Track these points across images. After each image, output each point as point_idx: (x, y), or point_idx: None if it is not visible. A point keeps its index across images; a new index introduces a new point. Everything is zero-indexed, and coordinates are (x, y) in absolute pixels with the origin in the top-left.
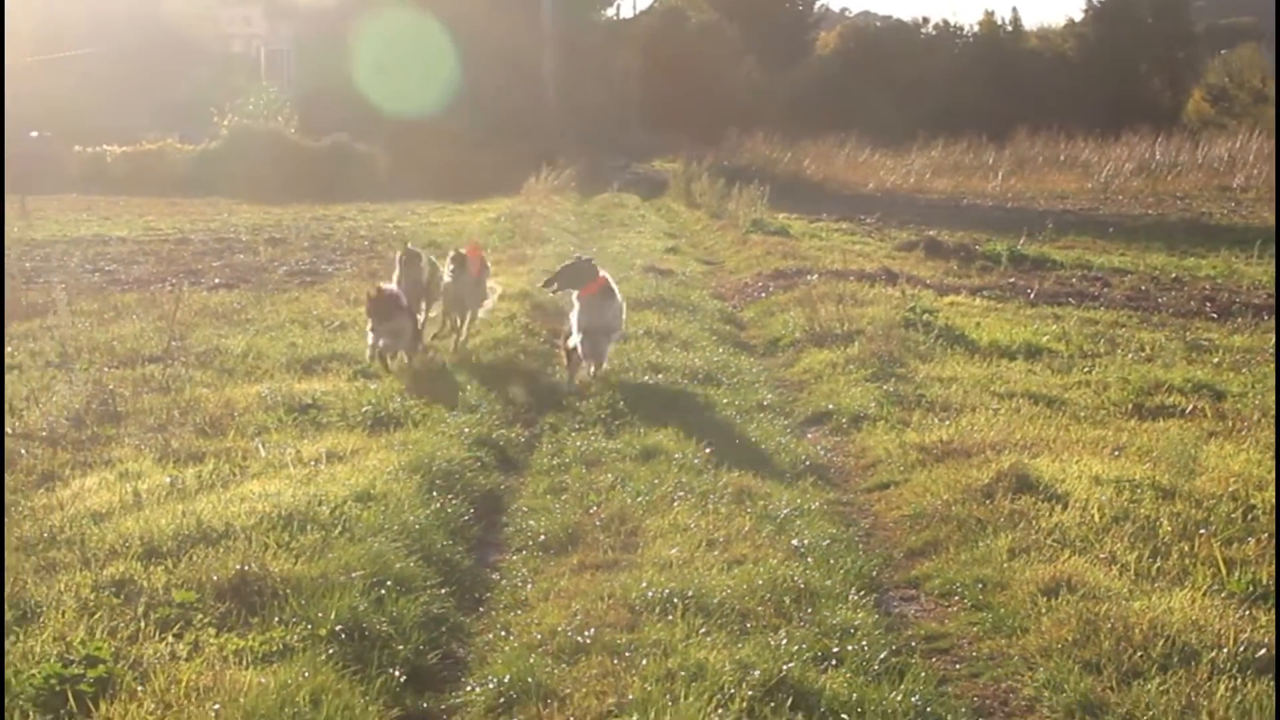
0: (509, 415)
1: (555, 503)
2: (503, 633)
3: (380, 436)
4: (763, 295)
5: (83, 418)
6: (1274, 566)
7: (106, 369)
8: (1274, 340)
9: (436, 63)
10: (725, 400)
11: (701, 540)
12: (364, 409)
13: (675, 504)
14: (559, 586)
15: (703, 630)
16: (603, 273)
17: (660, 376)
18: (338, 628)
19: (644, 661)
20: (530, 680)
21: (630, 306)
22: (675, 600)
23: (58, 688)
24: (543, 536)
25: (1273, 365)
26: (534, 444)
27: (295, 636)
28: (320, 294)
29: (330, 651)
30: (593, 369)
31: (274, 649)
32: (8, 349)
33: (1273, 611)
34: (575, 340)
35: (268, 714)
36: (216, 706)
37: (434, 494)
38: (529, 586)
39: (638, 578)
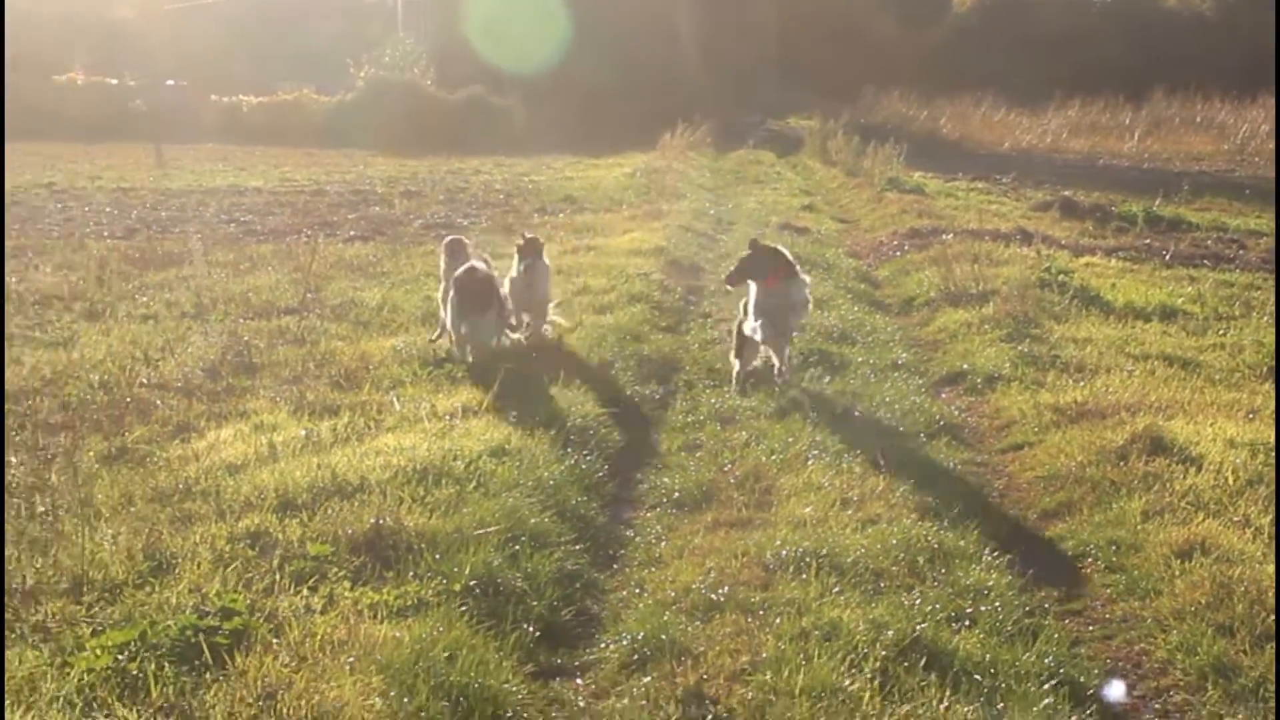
0: (643, 372)
1: (689, 460)
2: (636, 590)
3: (513, 392)
4: (898, 254)
5: (218, 369)
6: None
7: (242, 320)
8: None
9: (572, 15)
10: (860, 359)
11: (835, 499)
12: (499, 364)
13: (809, 462)
14: (693, 544)
15: (836, 589)
16: (786, 253)
17: (795, 334)
18: (472, 583)
19: (777, 620)
20: (664, 637)
21: None
22: (809, 559)
23: (193, 639)
24: (677, 493)
25: None
26: (668, 401)
27: (430, 591)
28: None
29: (465, 606)
30: (776, 365)
31: (409, 603)
32: (143, 298)
33: None
34: (751, 327)
35: (403, 668)
36: (351, 660)
37: (568, 450)
38: (663, 544)
39: (772, 536)
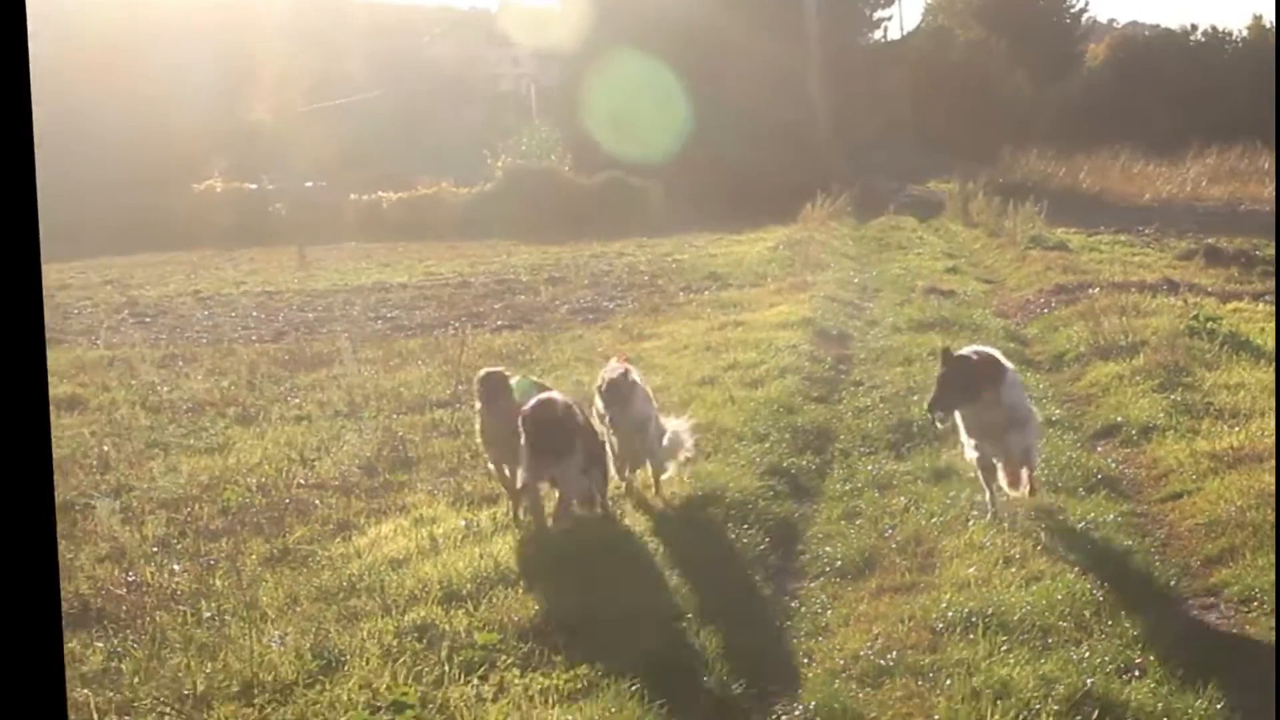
0: (798, 443)
1: (850, 528)
2: (805, 660)
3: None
4: (1045, 311)
5: (374, 465)
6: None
7: (395, 416)
8: (1274, 342)
9: (704, 94)
10: None
11: (998, 558)
12: None
13: (970, 523)
14: (858, 611)
15: (1005, 648)
16: (1002, 359)
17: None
18: (642, 663)
19: (948, 681)
20: (836, 705)
21: (914, 328)
22: (975, 619)
23: None
24: (839, 562)
25: None
26: (825, 470)
27: (599, 673)
28: (604, 331)
29: (635, 686)
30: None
31: (579, 686)
32: (295, 400)
33: None
34: (971, 454)
35: None
36: None
37: (729, 525)
38: (829, 613)
39: (936, 599)
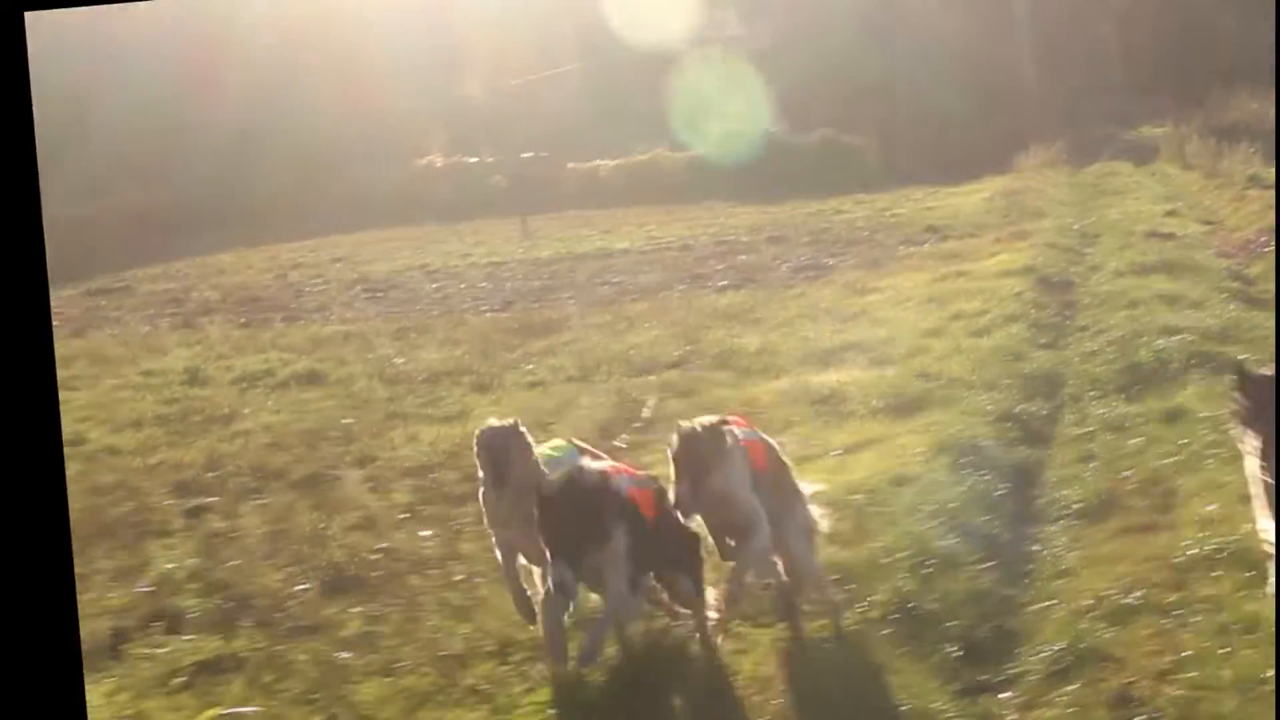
0: (1028, 389)
1: (1085, 470)
2: (1050, 602)
3: (903, 421)
4: (1267, 249)
5: (609, 427)
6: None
7: (625, 378)
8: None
9: (913, 48)
10: (1243, 355)
11: (1237, 495)
12: (885, 396)
13: (1207, 462)
14: (1100, 552)
15: (1249, 583)
16: None
17: (1174, 339)
18: (889, 608)
19: (1195, 618)
20: (1084, 645)
21: (1135, 272)
22: (1219, 556)
23: None
24: (1077, 505)
25: None
26: (1056, 415)
27: (846, 619)
28: (825, 287)
29: (884, 631)
30: None
31: (826, 635)
32: (528, 367)
33: None
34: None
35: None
36: (782, 687)
37: (964, 472)
38: (1070, 555)
39: (1178, 537)
